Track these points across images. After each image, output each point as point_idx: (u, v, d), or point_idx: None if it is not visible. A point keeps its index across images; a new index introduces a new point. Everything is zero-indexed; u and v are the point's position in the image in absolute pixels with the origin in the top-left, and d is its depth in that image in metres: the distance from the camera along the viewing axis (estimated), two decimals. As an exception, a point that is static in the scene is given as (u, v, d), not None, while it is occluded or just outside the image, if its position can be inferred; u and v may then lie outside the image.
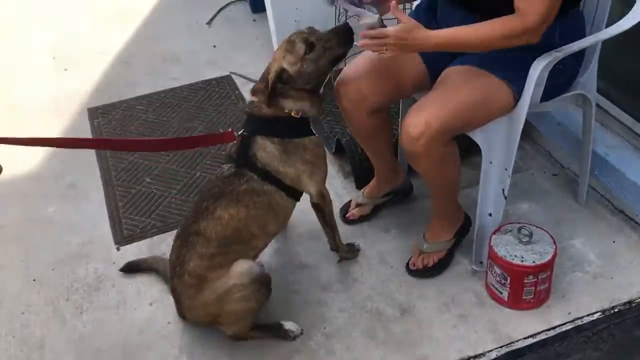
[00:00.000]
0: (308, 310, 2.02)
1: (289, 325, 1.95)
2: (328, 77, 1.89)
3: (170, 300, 2.10)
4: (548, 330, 1.91)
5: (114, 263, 2.28)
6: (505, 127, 1.88)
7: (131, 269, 2.22)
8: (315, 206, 2.02)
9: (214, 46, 3.63)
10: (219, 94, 3.19)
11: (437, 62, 1.91)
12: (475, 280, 2.08)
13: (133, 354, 1.96)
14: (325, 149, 2.06)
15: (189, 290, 1.85)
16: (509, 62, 1.81)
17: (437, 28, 1.95)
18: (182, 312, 1.93)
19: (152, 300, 2.12)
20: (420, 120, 1.74)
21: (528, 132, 2.64)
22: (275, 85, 1.80)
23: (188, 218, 1.90)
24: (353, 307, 2.03)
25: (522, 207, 2.36)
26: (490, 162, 1.94)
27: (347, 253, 2.18)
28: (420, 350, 1.89)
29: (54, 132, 3.00)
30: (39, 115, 3.16)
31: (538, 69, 1.75)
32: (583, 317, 1.94)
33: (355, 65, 1.98)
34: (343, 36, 1.83)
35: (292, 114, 1.85)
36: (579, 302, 1.98)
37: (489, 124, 1.87)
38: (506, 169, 1.93)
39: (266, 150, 1.84)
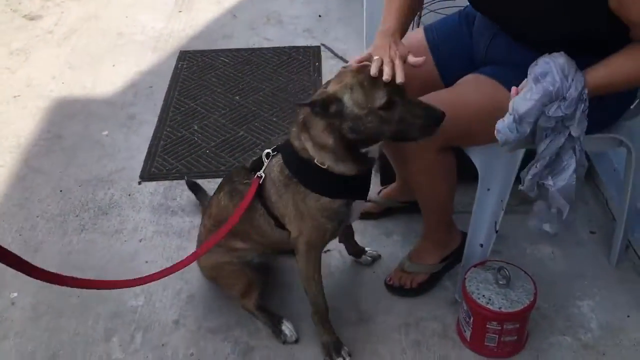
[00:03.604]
0: (269, 291, 1.97)
1: (286, 326, 1.84)
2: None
3: (158, 241, 2.21)
4: (500, 386, 1.72)
5: (129, 195, 2.41)
6: (508, 155, 1.67)
7: (192, 188, 2.29)
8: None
9: (319, 16, 3.61)
10: (300, 63, 3.19)
11: (451, 67, 1.75)
12: (452, 311, 1.91)
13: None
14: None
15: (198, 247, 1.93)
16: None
17: (471, 42, 1.80)
18: None
19: (143, 237, 2.22)
20: None
21: (590, 173, 2.34)
22: (316, 106, 1.45)
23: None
24: (316, 299, 1.97)
25: (544, 250, 2.11)
26: (488, 189, 1.75)
27: (324, 347, 1.79)
28: (356, 361, 1.79)
29: (142, 64, 3.21)
30: (137, 46, 3.38)
31: (545, 97, 1.53)
32: (546, 385, 1.71)
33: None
34: (431, 121, 1.43)
35: (315, 161, 1.54)
36: (551, 368, 1.75)
37: (491, 146, 1.68)
38: (502, 201, 1.74)
39: (271, 174, 1.64)
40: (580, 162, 1.49)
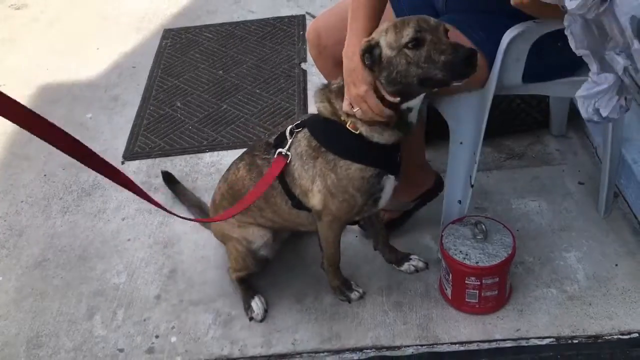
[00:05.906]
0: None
1: (256, 302, 1.81)
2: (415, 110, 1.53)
3: (140, 219, 2.20)
4: (482, 342, 1.68)
5: (112, 175, 2.39)
6: (477, 104, 1.63)
7: (168, 180, 2.23)
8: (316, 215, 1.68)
9: (304, -16, 3.55)
10: (284, 33, 3.13)
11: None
12: (435, 270, 1.87)
13: (86, 260, 2.07)
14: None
15: (211, 207, 1.91)
16: (492, 29, 1.54)
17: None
18: None
19: (126, 216, 2.21)
20: None
21: (580, 122, 2.27)
22: (363, 55, 1.46)
23: None
24: (300, 263, 1.95)
25: (531, 204, 2.06)
26: (461, 143, 1.71)
27: (336, 289, 1.83)
28: (337, 325, 1.77)
29: (126, 45, 3.18)
30: (122, 28, 3.34)
31: (507, 39, 1.48)
32: (530, 338, 1.67)
33: (326, 11, 1.82)
34: (460, 60, 1.36)
35: (348, 125, 1.53)
36: (535, 322, 1.71)
37: (458, 97, 1.63)
38: (474, 153, 1.69)
39: (297, 149, 1.60)
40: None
